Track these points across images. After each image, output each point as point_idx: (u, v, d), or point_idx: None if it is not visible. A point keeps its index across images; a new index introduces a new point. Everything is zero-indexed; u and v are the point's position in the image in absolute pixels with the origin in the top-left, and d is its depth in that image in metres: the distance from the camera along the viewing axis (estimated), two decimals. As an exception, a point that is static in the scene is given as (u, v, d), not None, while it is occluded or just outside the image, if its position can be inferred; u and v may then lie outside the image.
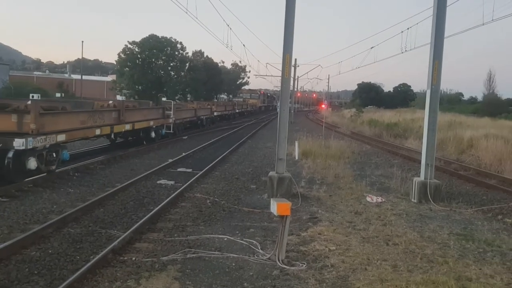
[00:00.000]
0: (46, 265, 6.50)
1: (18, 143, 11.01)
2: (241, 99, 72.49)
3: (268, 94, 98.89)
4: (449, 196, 12.50)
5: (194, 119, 31.60)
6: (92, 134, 15.53)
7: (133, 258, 6.85)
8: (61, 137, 13.04)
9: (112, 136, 18.27)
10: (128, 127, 18.47)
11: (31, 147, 11.33)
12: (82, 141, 17.58)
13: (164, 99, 35.47)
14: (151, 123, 21.28)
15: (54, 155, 12.83)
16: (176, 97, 57.35)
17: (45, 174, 11.49)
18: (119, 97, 23.64)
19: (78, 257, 6.87)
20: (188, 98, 62.44)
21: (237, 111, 54.76)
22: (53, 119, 12.85)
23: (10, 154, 11.12)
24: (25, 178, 11.59)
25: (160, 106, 25.04)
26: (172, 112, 24.40)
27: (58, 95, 19.25)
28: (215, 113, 39.43)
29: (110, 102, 19.82)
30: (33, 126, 11.63)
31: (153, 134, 21.80)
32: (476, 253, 7.69)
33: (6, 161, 11.05)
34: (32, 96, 17.87)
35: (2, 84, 45.03)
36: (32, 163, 11.56)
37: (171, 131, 24.28)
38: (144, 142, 21.29)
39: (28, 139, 11.21)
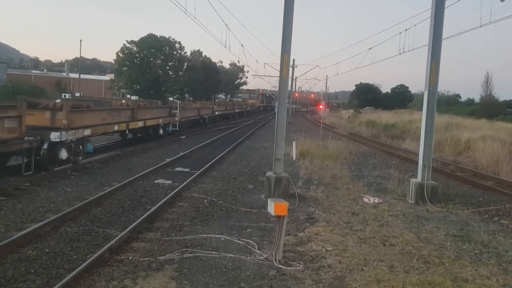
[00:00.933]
0: (42, 264, 6.49)
1: (54, 136, 12.87)
2: (240, 99, 73.68)
3: (267, 94, 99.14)
4: (446, 197, 12.53)
5: (197, 118, 33.25)
6: (111, 130, 17.76)
7: (130, 258, 6.85)
8: (87, 132, 14.96)
9: (127, 132, 20.49)
10: (140, 124, 20.37)
11: (63, 140, 13.16)
12: (96, 137, 18.64)
13: (170, 98, 36.65)
14: (160, 121, 23.16)
15: (81, 147, 14.70)
16: (174, 97, 57.31)
17: (71, 164, 12.24)
18: (133, 97, 25.18)
19: (75, 256, 6.87)
20: (186, 98, 62.38)
21: (237, 111, 55.98)
22: (80, 116, 14.90)
23: (45, 146, 12.73)
24: (56, 167, 13.25)
25: (167, 106, 27.13)
26: (178, 111, 26.30)
27: (66, 95, 19.94)
28: (216, 113, 40.96)
29: (123, 101, 21.63)
30: (65, 121, 13.59)
31: (161, 131, 23.59)
32: (472, 254, 7.71)
33: (41, 152, 12.62)
34: (64, 96, 20.04)
35: (0, 82, 44.91)
36: (64, 154, 13.38)
37: (177, 128, 26.03)
38: (143, 140, 22.40)
39: (62, 132, 13.09)
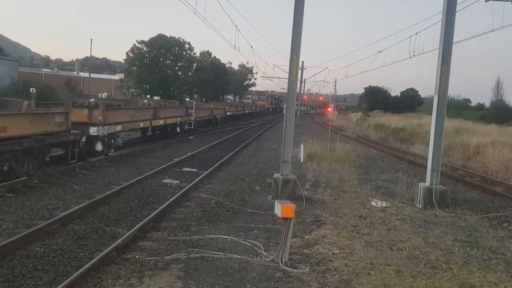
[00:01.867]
0: (50, 261, 6.53)
1: (93, 130, 15.03)
2: (250, 100, 75.49)
3: (276, 96, 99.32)
4: (455, 203, 12.44)
5: (210, 118, 35.42)
6: (137, 126, 20.25)
7: (137, 257, 6.87)
8: (118, 127, 17.14)
9: (150, 129, 22.33)
10: (161, 122, 22.58)
11: (99, 134, 15.28)
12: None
13: (187, 99, 39.73)
14: (178, 119, 25.34)
15: (112, 141, 16.75)
16: (183, 97, 57.51)
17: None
18: (155, 97, 27.31)
19: (82, 254, 6.91)
20: (194, 98, 62.56)
21: (247, 111, 57.79)
22: (112, 114, 16.91)
23: (83, 139, 14.72)
24: (92, 157, 15.24)
25: (184, 106, 29.23)
26: (193, 111, 28.69)
27: (102, 95, 21.77)
28: (228, 113, 43.09)
29: (145, 101, 23.47)
30: (101, 118, 15.60)
31: (178, 129, 25.79)
32: (480, 260, 7.65)
33: (80, 144, 14.43)
34: (101, 95, 22.36)
35: (11, 80, 45.27)
36: (99, 146, 15.53)
37: (192, 127, 28.33)
38: (162, 137, 24.36)
39: (98, 127, 15.19)
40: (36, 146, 11.96)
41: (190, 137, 26.42)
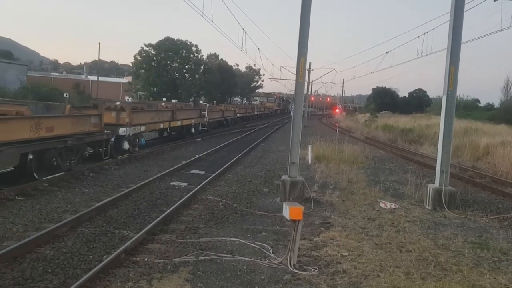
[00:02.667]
0: (59, 264, 6.57)
1: (121, 131, 16.87)
2: (258, 102, 76.30)
3: (284, 98, 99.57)
4: (464, 204, 12.34)
5: (221, 119, 36.93)
6: (158, 127, 22.12)
7: (146, 259, 6.89)
8: (142, 128, 19.17)
9: (168, 129, 24.24)
10: (179, 123, 24.45)
11: (127, 134, 17.10)
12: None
13: (201, 102, 41.32)
14: (193, 121, 27.25)
15: (137, 141, 18.61)
16: (191, 99, 57.73)
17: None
18: (173, 100, 30.26)
19: (91, 257, 6.93)
20: (202, 100, 62.75)
21: (255, 113, 58.83)
22: (137, 116, 18.77)
23: (113, 139, 16.39)
24: (120, 155, 16.91)
25: (198, 108, 30.83)
26: (206, 112, 30.22)
27: (129, 99, 24.31)
28: (238, 115, 44.73)
29: (163, 104, 25.35)
30: (128, 120, 17.41)
31: (193, 130, 27.68)
32: (491, 262, 7.57)
33: (110, 143, 16.08)
34: (127, 99, 26.03)
35: (20, 84, 45.71)
36: (126, 145, 17.31)
37: (205, 128, 29.98)
38: (177, 138, 26.04)
39: (126, 128, 17.08)
40: (76, 144, 13.68)
41: (198, 139, 26.50)
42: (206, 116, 29.99)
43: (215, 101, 60.81)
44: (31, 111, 12.15)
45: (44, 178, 11.98)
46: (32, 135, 11.38)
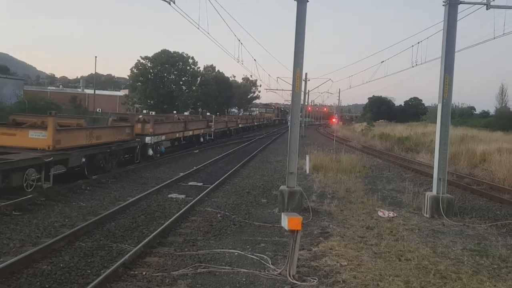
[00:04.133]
0: (57, 279, 6.51)
1: (148, 139, 19.96)
2: (258, 113, 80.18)
3: (281, 109, 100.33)
4: (462, 211, 12.34)
5: (225, 129, 40.26)
6: (174, 137, 25.29)
7: (144, 273, 6.84)
8: (163, 137, 22.37)
9: (182, 138, 27.25)
10: (190, 133, 27.76)
11: (151, 142, 20.19)
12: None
13: (208, 114, 43.76)
14: (201, 131, 30.59)
15: (158, 148, 21.63)
16: (188, 111, 57.90)
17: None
18: (186, 113, 35.10)
19: (89, 271, 6.88)
20: (199, 112, 62.86)
21: (255, 123, 62.84)
22: (159, 126, 21.99)
23: (138, 146, 18.98)
24: (145, 161, 19.68)
25: (205, 119, 34.01)
26: (213, 123, 33.45)
27: (152, 113, 29.99)
28: (240, 125, 48.43)
29: (176, 115, 29.18)
30: (151, 130, 20.55)
31: (201, 139, 30.76)
32: (490, 269, 7.56)
33: (137, 150, 18.95)
34: (151, 113, 29.13)
35: (17, 98, 45.64)
36: (150, 152, 20.31)
37: (212, 137, 33.08)
38: (187, 146, 28.57)
39: (151, 137, 20.23)
40: (116, 149, 16.68)
41: (196, 151, 26.49)
42: (213, 126, 33.16)
43: (218, 113, 61.35)
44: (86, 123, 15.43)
45: (93, 177, 14.59)
46: (87, 142, 14.49)
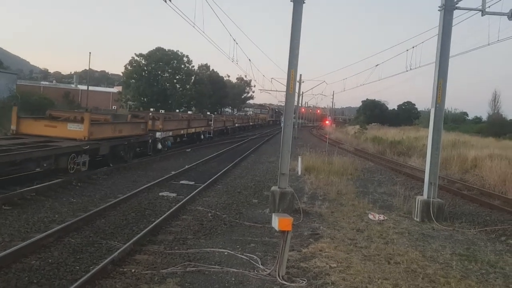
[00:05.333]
0: (45, 275, 6.47)
1: (158, 134, 22.38)
2: (253, 113, 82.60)
3: (276, 110, 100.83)
4: (452, 216, 12.42)
5: (223, 128, 42.47)
6: (179, 133, 27.60)
7: (133, 270, 6.82)
8: (170, 133, 24.83)
9: (185, 135, 29.68)
10: (193, 130, 30.24)
11: (160, 137, 22.67)
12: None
13: (208, 113, 46.41)
14: (202, 129, 33.07)
15: (166, 143, 23.88)
16: (181, 110, 57.83)
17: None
18: (189, 112, 38.32)
19: (78, 267, 6.85)
20: (192, 111, 62.75)
21: (251, 123, 65.28)
22: (167, 123, 24.41)
23: (150, 140, 21.27)
24: (155, 154, 21.76)
25: (206, 118, 36.28)
26: (212, 122, 35.79)
27: (162, 111, 31.80)
28: (236, 125, 50.79)
29: (180, 114, 32.21)
30: (161, 126, 22.91)
31: (202, 136, 33.17)
32: (478, 274, 7.61)
33: (148, 144, 21.22)
34: (161, 111, 30.87)
35: (9, 92, 45.24)
36: (159, 145, 22.60)
37: (211, 135, 35.32)
38: (188, 142, 31.46)
39: (161, 132, 22.72)
40: (133, 142, 19.12)
41: (188, 150, 26.43)
42: (212, 125, 35.53)
43: (215, 112, 61.59)
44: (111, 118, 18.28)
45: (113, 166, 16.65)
46: (112, 135, 17.17)
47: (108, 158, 16.75)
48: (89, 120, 15.29)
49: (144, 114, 24.46)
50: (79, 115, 16.96)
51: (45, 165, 12.82)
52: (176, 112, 36.26)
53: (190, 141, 31.25)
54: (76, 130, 15.35)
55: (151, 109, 29.97)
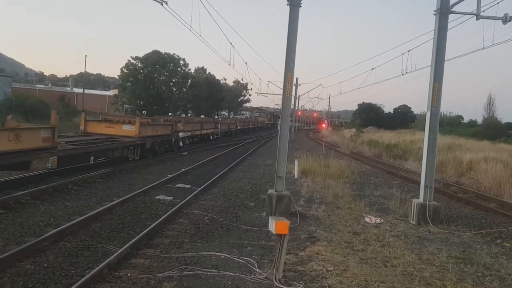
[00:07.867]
0: (40, 279, 6.43)
1: (181, 134, 26.78)
2: (253, 117, 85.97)
3: (274, 113, 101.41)
4: (448, 219, 12.45)
5: (227, 130, 46.54)
6: (195, 134, 32.19)
7: (129, 274, 6.79)
8: (189, 133, 29.83)
9: (199, 136, 33.90)
10: (204, 132, 35.19)
11: (181, 136, 27.10)
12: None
13: (216, 117, 50.08)
14: (211, 130, 38.01)
15: (185, 141, 28.61)
16: (177, 113, 57.80)
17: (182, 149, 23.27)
18: (202, 116, 42.03)
19: (73, 272, 6.81)
20: (189, 114, 62.72)
21: (250, 126, 69.19)
22: (187, 125, 29.58)
23: (173, 139, 25.39)
24: (178, 151, 26.25)
25: (214, 121, 41.66)
26: (220, 125, 40.83)
27: (183, 115, 34.81)
28: (239, 127, 55.19)
29: (195, 118, 36.77)
30: (182, 127, 27.43)
31: (211, 137, 37.78)
32: (474, 277, 7.63)
33: (172, 142, 25.38)
34: (181, 114, 34.81)
35: (4, 96, 45.13)
36: (180, 143, 27.06)
37: (218, 136, 39.87)
38: (199, 142, 35.30)
39: (183, 133, 27.38)
40: (165, 140, 23.79)
41: (184, 153, 26.40)
42: (219, 127, 40.46)
43: (216, 116, 61.86)
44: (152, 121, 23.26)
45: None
46: (152, 134, 21.83)
47: (149, 152, 21.30)
48: (139, 122, 20.11)
49: (170, 118, 29.65)
50: (132, 118, 22.10)
51: (116, 153, 17.98)
52: (191, 116, 43.25)
53: (201, 141, 35.26)
54: (129, 129, 20.03)
55: (143, 112, 32.68)
